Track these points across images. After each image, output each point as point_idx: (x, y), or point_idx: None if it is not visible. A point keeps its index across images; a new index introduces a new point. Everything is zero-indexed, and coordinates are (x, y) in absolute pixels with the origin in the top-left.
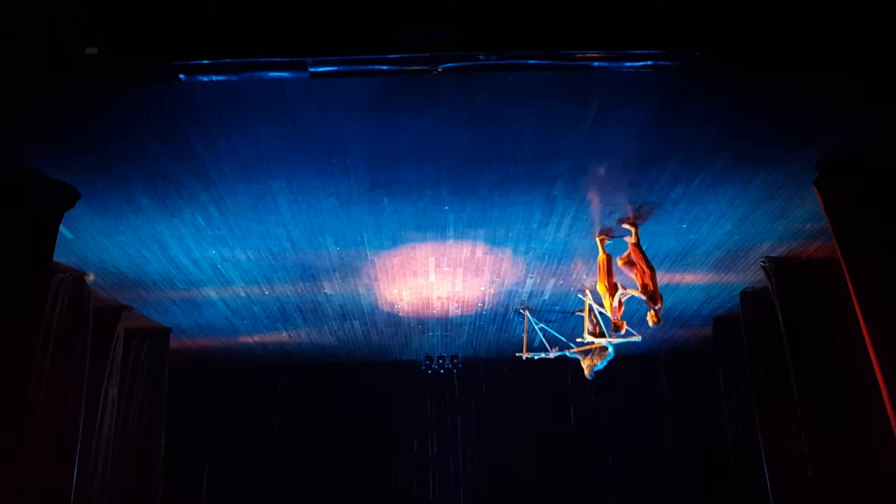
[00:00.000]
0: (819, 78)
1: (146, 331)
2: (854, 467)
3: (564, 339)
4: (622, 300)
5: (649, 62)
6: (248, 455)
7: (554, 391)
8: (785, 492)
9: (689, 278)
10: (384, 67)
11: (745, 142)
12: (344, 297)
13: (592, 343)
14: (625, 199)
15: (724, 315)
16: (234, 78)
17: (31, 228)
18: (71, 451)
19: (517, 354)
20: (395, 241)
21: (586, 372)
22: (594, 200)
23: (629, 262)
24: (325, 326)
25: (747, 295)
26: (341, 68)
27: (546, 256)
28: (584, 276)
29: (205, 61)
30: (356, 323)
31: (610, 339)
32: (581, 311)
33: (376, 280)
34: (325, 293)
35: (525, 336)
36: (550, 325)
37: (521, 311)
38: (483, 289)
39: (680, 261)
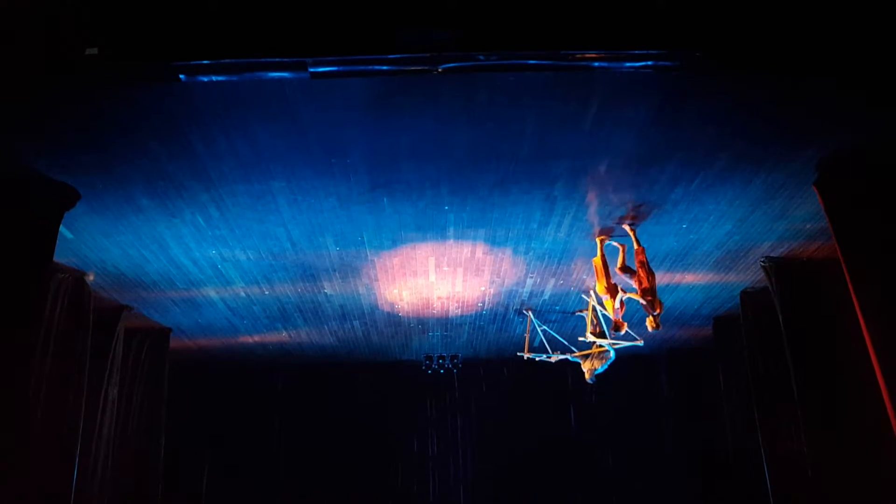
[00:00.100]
0: (819, 78)
1: (146, 331)
2: (854, 467)
3: (566, 343)
4: (623, 301)
5: (649, 62)
6: (248, 455)
7: (554, 391)
8: (785, 492)
9: (690, 278)
10: (384, 68)
11: (746, 142)
12: (344, 297)
13: (594, 344)
14: (625, 200)
15: (725, 315)
16: (234, 78)
17: (31, 228)
18: (71, 451)
19: (518, 354)
20: (395, 242)
21: (587, 375)
22: (594, 201)
23: (627, 269)
24: (325, 326)
25: (747, 295)
26: (341, 68)
27: (546, 256)
28: (585, 277)
29: (205, 61)
30: (356, 323)
31: (612, 343)
32: (581, 311)
33: (376, 280)
34: (325, 293)
35: (527, 336)
36: (551, 325)
37: (525, 311)
38: (483, 289)
39: (680, 261)
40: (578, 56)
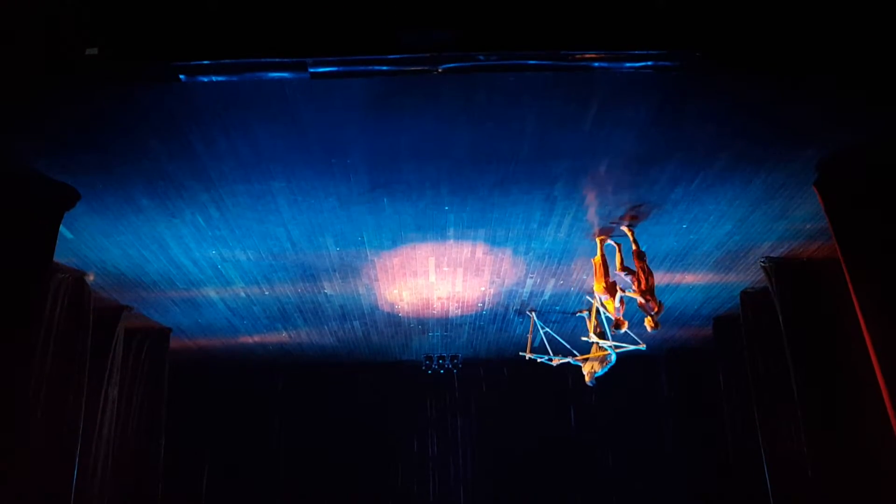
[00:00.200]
0: (819, 78)
1: (146, 331)
2: (854, 467)
3: (568, 346)
4: (623, 299)
5: (649, 62)
6: (248, 455)
7: (554, 391)
8: (785, 492)
9: (690, 278)
10: (384, 68)
11: (745, 142)
12: (344, 298)
13: (596, 347)
14: (625, 200)
15: (725, 315)
16: (234, 78)
17: (32, 229)
18: (71, 451)
19: (520, 354)
20: (395, 242)
21: (587, 378)
22: (594, 201)
23: (626, 269)
24: (326, 327)
25: (747, 295)
26: (341, 69)
27: (546, 257)
28: (585, 277)
29: (205, 62)
30: (356, 323)
31: (615, 347)
32: (581, 311)
33: (376, 280)
34: (325, 293)
35: (530, 336)
36: (551, 325)
37: (529, 312)
38: (483, 289)
39: (680, 261)
40: (578, 56)
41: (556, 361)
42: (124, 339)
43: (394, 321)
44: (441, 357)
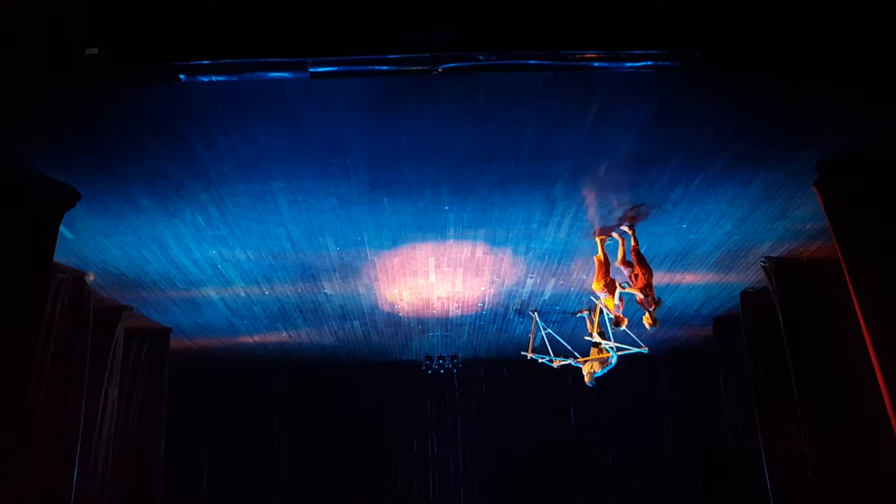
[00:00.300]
0: (819, 78)
1: (146, 331)
2: (854, 467)
3: (569, 347)
4: (622, 296)
5: (649, 62)
6: (248, 455)
7: (554, 391)
8: (785, 492)
9: (690, 278)
10: (384, 68)
11: (746, 142)
12: (344, 298)
13: (599, 347)
14: (625, 200)
15: (725, 315)
16: (234, 78)
17: (32, 229)
18: (71, 451)
19: (522, 353)
20: (395, 242)
21: (586, 379)
22: (594, 201)
23: (627, 263)
24: (325, 326)
25: (747, 295)
26: (341, 68)
27: (546, 256)
28: (585, 277)
29: (205, 62)
30: (356, 323)
31: (617, 349)
32: (582, 311)
33: (376, 280)
34: (325, 293)
35: (532, 336)
36: (551, 325)
37: (531, 312)
38: (483, 289)
39: (680, 261)
40: (578, 56)
41: (556, 363)
42: (124, 339)
43: (394, 321)
44: (441, 357)
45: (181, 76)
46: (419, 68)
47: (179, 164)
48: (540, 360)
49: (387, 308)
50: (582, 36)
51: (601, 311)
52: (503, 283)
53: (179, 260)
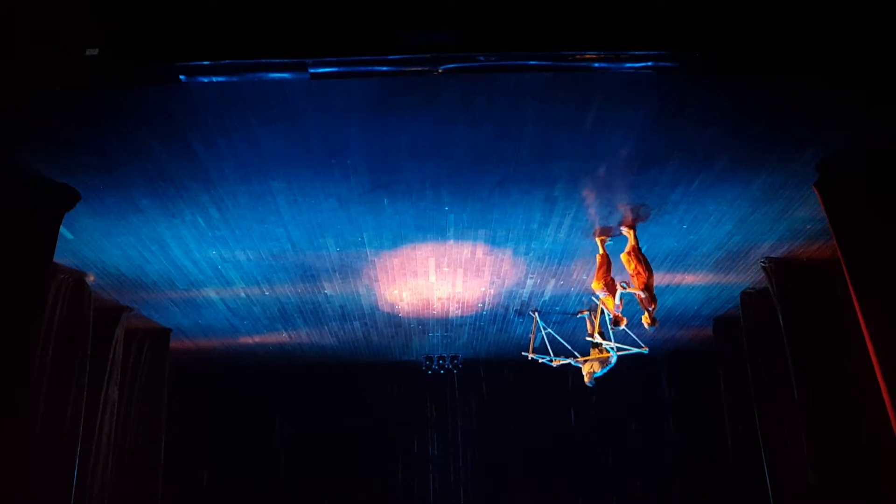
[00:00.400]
0: (819, 79)
1: (146, 331)
2: (854, 468)
3: (569, 347)
4: (622, 297)
5: (649, 63)
6: (247, 455)
7: (554, 392)
8: (785, 492)
9: (690, 279)
10: (384, 68)
11: (746, 143)
12: (344, 298)
13: (599, 347)
14: (625, 200)
15: (725, 316)
16: (234, 79)
17: (32, 229)
18: (71, 451)
19: (522, 353)
20: (395, 242)
21: (586, 379)
22: (594, 201)
23: (631, 259)
24: (326, 327)
25: (748, 295)
26: (341, 69)
27: (546, 257)
28: (585, 277)
29: (205, 62)
30: (356, 324)
31: (618, 350)
32: (582, 311)
33: (376, 281)
34: (326, 294)
35: (532, 337)
36: (551, 326)
37: (532, 312)
38: (483, 289)
39: (680, 261)
40: (578, 57)
41: (556, 363)
42: (124, 340)
43: (394, 322)
44: (441, 357)
45: (181, 77)
46: (419, 69)
47: (179, 165)
48: (540, 360)
49: (387, 309)
50: (582, 36)
51: (602, 312)
52: (503, 283)
53: (179, 260)
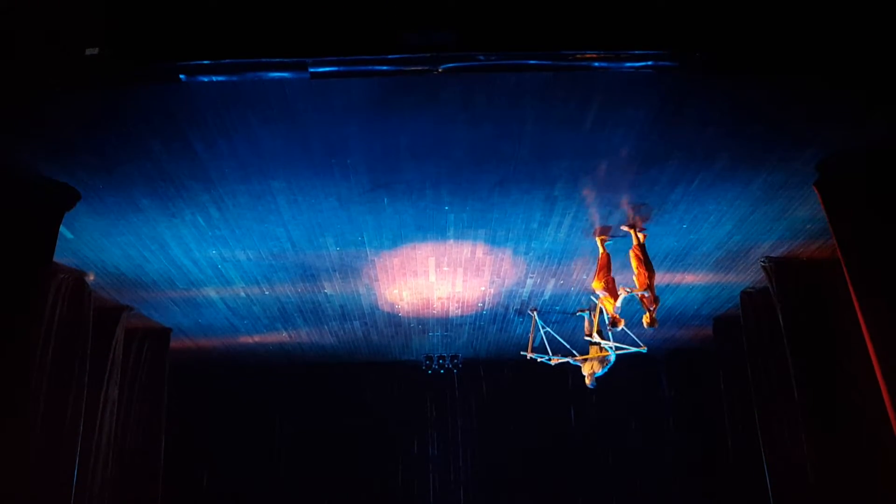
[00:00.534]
0: (819, 79)
1: (146, 331)
2: (854, 468)
3: (568, 346)
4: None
5: (649, 62)
6: (247, 455)
7: (554, 391)
8: (785, 492)
9: (690, 278)
10: (384, 68)
11: (746, 142)
12: (344, 298)
13: (597, 346)
14: (625, 200)
15: (725, 315)
16: (234, 78)
17: (32, 229)
18: (71, 451)
19: (522, 353)
20: (395, 242)
21: (587, 380)
22: (594, 201)
23: (633, 257)
24: (326, 327)
25: (748, 295)
26: (341, 69)
27: (546, 257)
28: (585, 277)
29: (205, 62)
30: (356, 323)
31: (617, 349)
32: (581, 311)
33: (376, 280)
34: (326, 293)
35: (531, 335)
36: (551, 325)
37: (530, 311)
38: (483, 289)
39: (680, 261)
40: (578, 56)
41: (555, 361)
42: (124, 340)
43: (394, 321)
44: (441, 357)
45: (181, 76)
46: (419, 68)
47: (179, 164)
48: (539, 360)
49: (387, 308)
50: (582, 36)
51: (600, 311)
52: (503, 283)
53: (179, 260)
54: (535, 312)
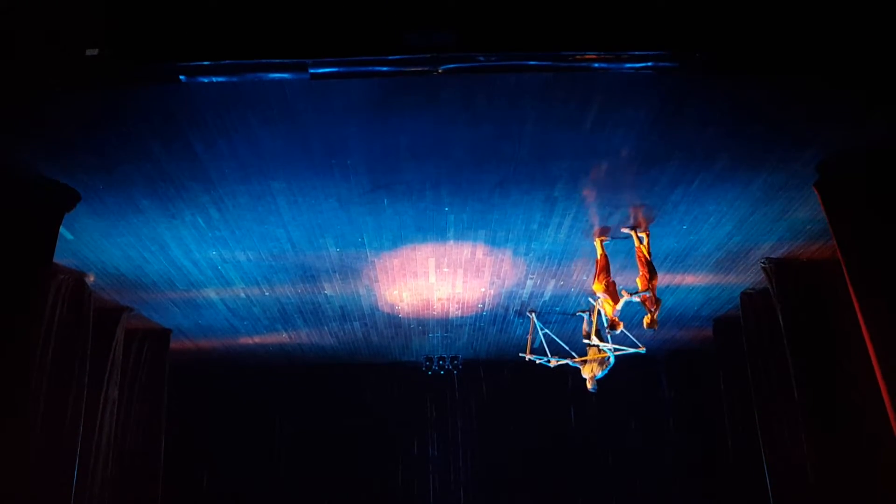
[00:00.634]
0: (819, 79)
1: (146, 332)
2: (855, 468)
3: (567, 347)
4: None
5: (649, 63)
6: (248, 456)
7: (554, 392)
8: (785, 492)
9: (690, 279)
10: (384, 69)
11: (746, 142)
12: (344, 299)
13: (596, 348)
14: (625, 201)
15: (725, 316)
16: (234, 79)
17: (32, 229)
18: (71, 451)
19: (520, 355)
20: (395, 243)
21: (589, 385)
22: (594, 202)
23: (640, 259)
24: (326, 328)
25: (748, 296)
26: (342, 69)
27: (546, 257)
28: (585, 278)
29: (205, 62)
30: (356, 324)
31: (615, 350)
32: (581, 311)
33: (376, 281)
34: (326, 294)
35: (530, 337)
36: (551, 326)
37: (529, 313)
38: (483, 290)
39: (680, 262)
40: (578, 57)
41: (553, 363)
42: (124, 341)
43: (394, 322)
44: (441, 358)
45: (181, 77)
46: (419, 69)
47: (179, 165)
48: (538, 361)
49: (387, 309)
50: (582, 37)
51: (599, 313)
52: (503, 284)
53: (179, 261)
54: (533, 314)
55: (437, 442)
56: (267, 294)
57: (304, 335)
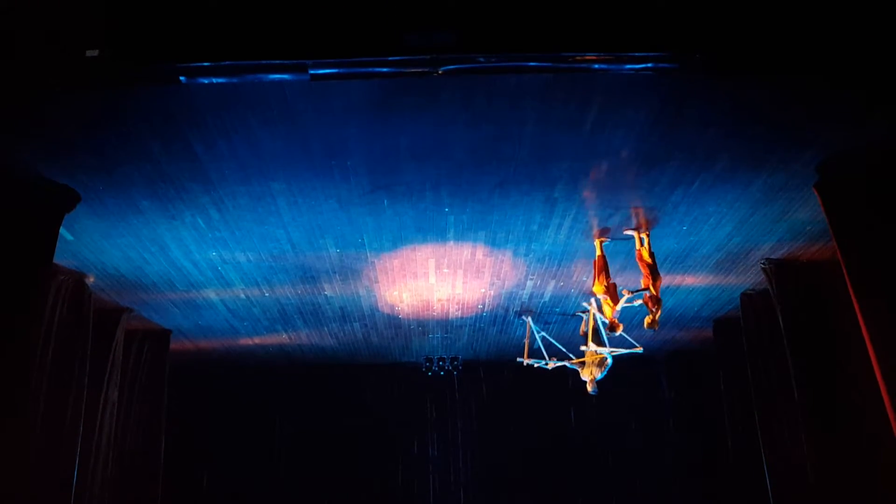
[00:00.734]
0: (819, 80)
1: (146, 333)
2: (855, 468)
3: (565, 350)
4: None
5: (649, 64)
6: (248, 456)
7: (554, 392)
8: (785, 492)
9: (690, 280)
10: (385, 70)
11: (746, 144)
12: (344, 299)
13: (594, 352)
14: (625, 202)
15: (725, 317)
16: (234, 80)
17: (32, 229)
18: (71, 452)
19: (518, 360)
20: (395, 243)
21: (589, 387)
22: (594, 203)
23: (638, 259)
24: (326, 328)
25: (748, 297)
26: (342, 70)
27: (546, 258)
28: (585, 278)
29: (205, 63)
30: (356, 325)
31: (612, 351)
32: (581, 311)
33: (376, 282)
34: (326, 295)
35: (527, 341)
36: (551, 327)
37: (525, 317)
38: (483, 291)
39: (680, 263)
40: (579, 58)
41: (551, 365)
42: (124, 341)
43: (394, 323)
44: (441, 359)
45: (181, 78)
46: (419, 70)
47: (179, 166)
48: (535, 365)
49: (387, 310)
50: (582, 38)
51: (594, 316)
52: (503, 284)
53: (179, 262)
54: (528, 317)
55: (437, 442)
56: (267, 295)
57: (304, 336)
